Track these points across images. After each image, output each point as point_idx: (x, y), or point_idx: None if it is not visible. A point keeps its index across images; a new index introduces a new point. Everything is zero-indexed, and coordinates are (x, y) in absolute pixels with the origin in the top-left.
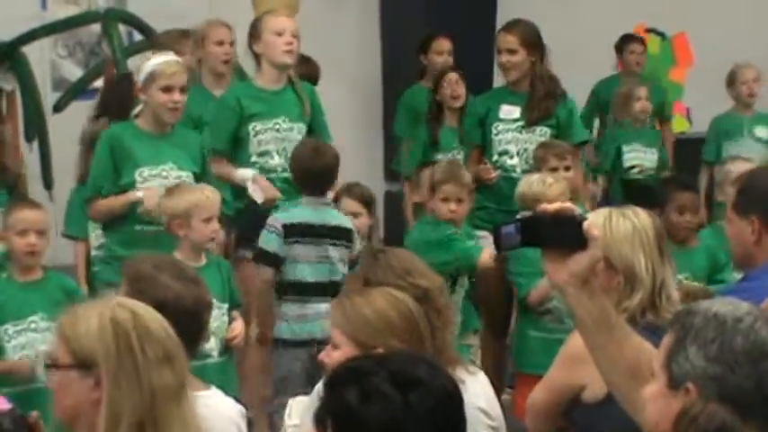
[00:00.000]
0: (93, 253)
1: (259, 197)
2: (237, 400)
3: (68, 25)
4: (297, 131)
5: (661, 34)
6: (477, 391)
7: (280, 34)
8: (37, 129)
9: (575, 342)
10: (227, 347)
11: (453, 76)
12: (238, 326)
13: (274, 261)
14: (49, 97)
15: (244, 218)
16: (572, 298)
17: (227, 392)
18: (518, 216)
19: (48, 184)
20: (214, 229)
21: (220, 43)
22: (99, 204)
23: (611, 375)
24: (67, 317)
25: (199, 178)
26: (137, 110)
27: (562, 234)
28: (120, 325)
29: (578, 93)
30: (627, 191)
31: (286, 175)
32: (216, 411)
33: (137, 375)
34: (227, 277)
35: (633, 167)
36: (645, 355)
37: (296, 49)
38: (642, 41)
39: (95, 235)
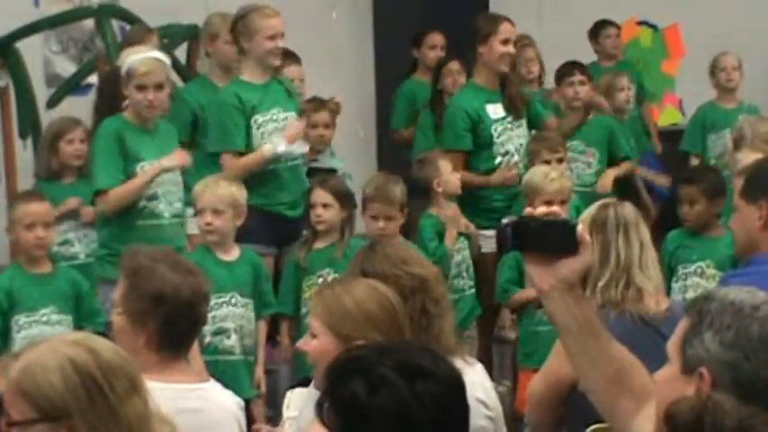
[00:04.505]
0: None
1: (283, 144)
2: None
3: (62, 21)
4: (292, 120)
5: (653, 26)
6: (474, 381)
7: (272, 38)
8: (31, 125)
9: None
10: (247, 350)
11: (455, 65)
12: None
13: None
14: (42, 93)
15: None
16: (556, 303)
17: (238, 392)
18: (504, 220)
19: None
20: (205, 221)
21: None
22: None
23: (592, 381)
24: (21, 370)
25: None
26: (125, 103)
27: (551, 239)
28: (83, 369)
29: None
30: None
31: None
32: (214, 404)
33: (113, 416)
34: (257, 274)
35: None
36: (627, 361)
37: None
38: (616, 25)
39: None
